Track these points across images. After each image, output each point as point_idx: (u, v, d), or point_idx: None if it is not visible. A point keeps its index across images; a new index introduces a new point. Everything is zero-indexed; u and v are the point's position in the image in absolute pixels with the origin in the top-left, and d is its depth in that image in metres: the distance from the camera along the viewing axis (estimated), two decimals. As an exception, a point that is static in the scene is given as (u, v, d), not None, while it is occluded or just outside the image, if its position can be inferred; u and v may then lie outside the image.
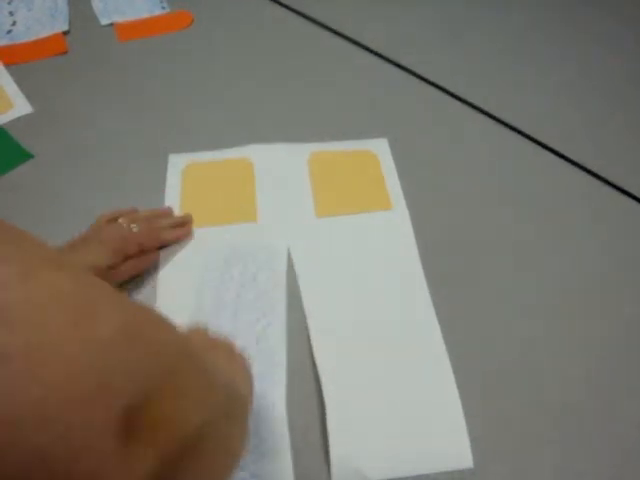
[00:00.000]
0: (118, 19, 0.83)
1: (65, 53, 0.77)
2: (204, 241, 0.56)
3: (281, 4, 0.86)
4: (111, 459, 0.16)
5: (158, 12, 0.85)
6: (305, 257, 0.55)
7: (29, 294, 0.15)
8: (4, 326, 0.14)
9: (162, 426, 0.19)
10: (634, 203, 0.62)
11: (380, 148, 0.65)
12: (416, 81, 0.75)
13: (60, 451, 0.14)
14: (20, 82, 0.72)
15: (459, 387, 0.47)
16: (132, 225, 0.51)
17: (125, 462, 0.17)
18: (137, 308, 0.20)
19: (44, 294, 0.16)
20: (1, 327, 0.14)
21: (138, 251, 0.51)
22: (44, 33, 0.79)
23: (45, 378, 0.14)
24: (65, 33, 0.80)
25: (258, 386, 0.46)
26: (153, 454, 0.18)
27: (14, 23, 0.81)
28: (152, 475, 0.18)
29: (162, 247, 0.55)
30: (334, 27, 0.82)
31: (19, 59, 0.76)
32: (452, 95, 0.73)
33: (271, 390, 0.46)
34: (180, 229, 0.56)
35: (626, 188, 0.63)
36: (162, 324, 0.22)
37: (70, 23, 0.81)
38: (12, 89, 0.71)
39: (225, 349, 0.38)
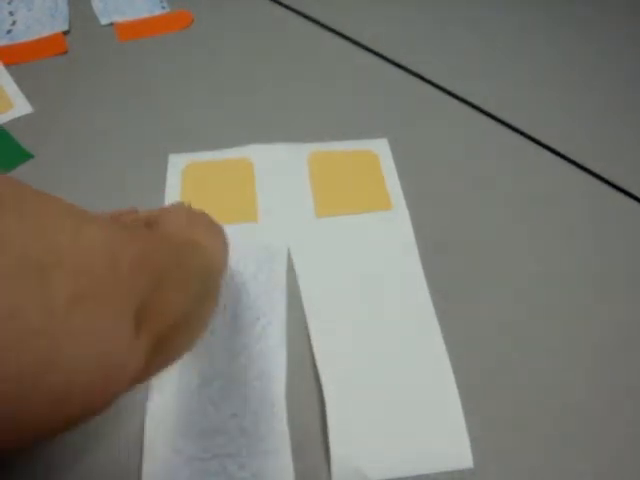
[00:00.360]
0: (118, 19, 0.83)
1: (65, 53, 0.77)
2: (204, 241, 0.56)
3: (281, 4, 0.86)
4: (130, 345, 0.22)
5: (158, 12, 0.85)
6: (305, 257, 0.55)
7: (81, 245, 0.20)
8: (66, 273, 0.19)
9: (158, 317, 0.24)
10: (634, 203, 0.62)
11: (380, 148, 0.65)
12: (416, 81, 0.75)
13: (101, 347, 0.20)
14: (20, 82, 0.72)
15: (459, 387, 0.47)
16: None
17: (137, 347, 0.22)
18: (146, 238, 0.28)
19: (90, 245, 0.21)
20: (63, 273, 0.19)
21: None
22: (44, 33, 0.79)
23: (92, 311, 0.20)
24: (65, 33, 0.80)
25: (258, 385, 0.46)
26: (152, 338, 0.24)
27: (14, 23, 0.81)
28: (150, 352, 0.24)
29: None
30: (334, 27, 0.82)
31: (19, 59, 0.76)
32: (452, 95, 0.73)
33: (271, 390, 0.46)
34: None
35: (626, 188, 0.63)
36: (161, 241, 0.30)
37: (70, 23, 0.81)
38: (12, 89, 0.71)
39: (203, 222, 0.44)
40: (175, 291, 0.27)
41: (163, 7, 0.85)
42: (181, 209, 0.44)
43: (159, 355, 0.26)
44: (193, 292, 0.30)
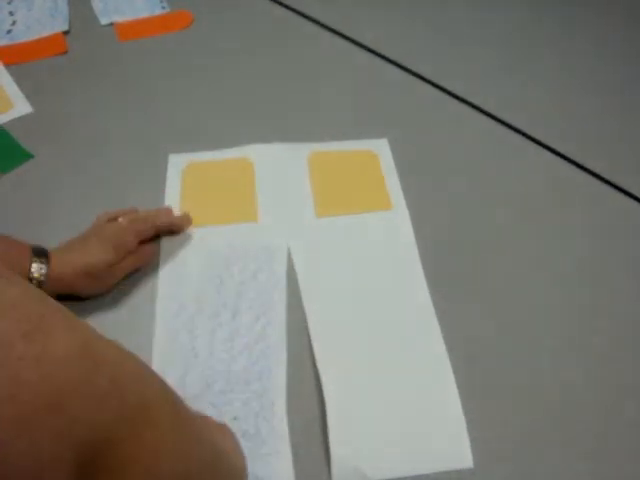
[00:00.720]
0: (118, 19, 0.83)
1: (65, 53, 0.77)
2: (204, 241, 0.56)
3: (281, 4, 0.86)
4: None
5: (158, 12, 0.85)
6: (305, 257, 0.55)
7: None
8: None
9: (128, 469, 0.17)
10: (634, 203, 0.62)
11: (380, 148, 0.65)
12: (416, 81, 0.75)
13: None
14: (20, 82, 0.72)
15: (459, 387, 0.47)
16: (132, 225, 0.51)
17: None
18: (99, 336, 0.19)
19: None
20: None
21: (137, 243, 0.51)
22: (44, 33, 0.79)
23: None
24: (65, 33, 0.80)
25: (259, 386, 0.46)
26: None
27: (14, 23, 0.81)
28: None
29: (160, 236, 0.55)
30: (334, 27, 0.82)
31: (19, 59, 0.76)
32: (452, 95, 0.73)
33: (271, 389, 0.46)
34: (176, 216, 0.56)
35: (626, 188, 0.63)
36: (132, 361, 0.20)
37: (70, 23, 0.81)
38: (12, 89, 0.71)
39: (214, 424, 0.37)
40: (172, 439, 0.20)
41: (163, 7, 0.85)
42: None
43: None
44: (203, 454, 0.22)
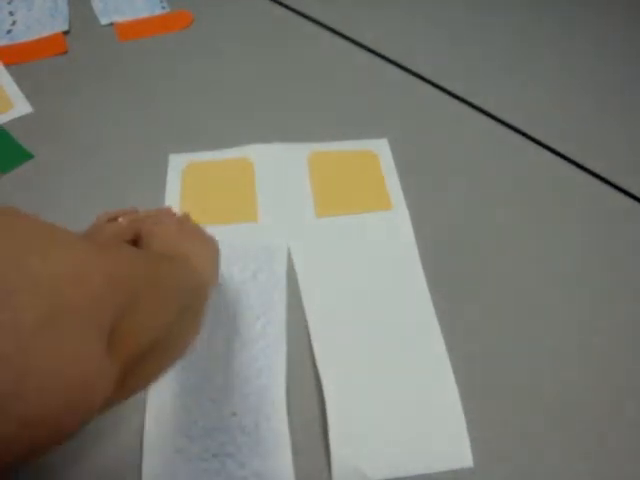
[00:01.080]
0: (118, 19, 0.83)
1: (65, 53, 0.77)
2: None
3: (281, 4, 0.86)
4: (100, 366, 0.21)
5: (158, 12, 0.85)
6: (305, 257, 0.55)
7: (50, 269, 0.20)
8: (33, 295, 0.19)
9: (131, 338, 0.25)
10: (634, 203, 0.62)
11: (380, 148, 0.65)
12: (416, 81, 0.75)
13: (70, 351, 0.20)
14: (20, 82, 0.72)
15: (459, 387, 0.47)
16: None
17: (107, 368, 0.22)
18: (121, 258, 0.27)
19: (58, 267, 0.21)
20: (30, 296, 0.18)
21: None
22: (44, 33, 0.79)
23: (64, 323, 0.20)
24: (65, 33, 0.80)
25: (258, 384, 0.46)
26: (124, 359, 0.24)
27: (14, 23, 0.81)
28: (121, 374, 0.24)
29: None
30: (334, 27, 0.82)
31: (19, 59, 0.76)
32: (452, 95, 0.73)
33: (271, 389, 0.46)
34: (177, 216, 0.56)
35: (626, 188, 0.63)
36: (138, 260, 0.29)
37: (70, 23, 0.81)
38: (12, 89, 0.71)
39: (192, 233, 0.43)
40: (151, 313, 0.27)
41: (163, 7, 0.85)
42: (171, 220, 0.44)
43: (133, 377, 0.26)
44: (172, 313, 0.30)
